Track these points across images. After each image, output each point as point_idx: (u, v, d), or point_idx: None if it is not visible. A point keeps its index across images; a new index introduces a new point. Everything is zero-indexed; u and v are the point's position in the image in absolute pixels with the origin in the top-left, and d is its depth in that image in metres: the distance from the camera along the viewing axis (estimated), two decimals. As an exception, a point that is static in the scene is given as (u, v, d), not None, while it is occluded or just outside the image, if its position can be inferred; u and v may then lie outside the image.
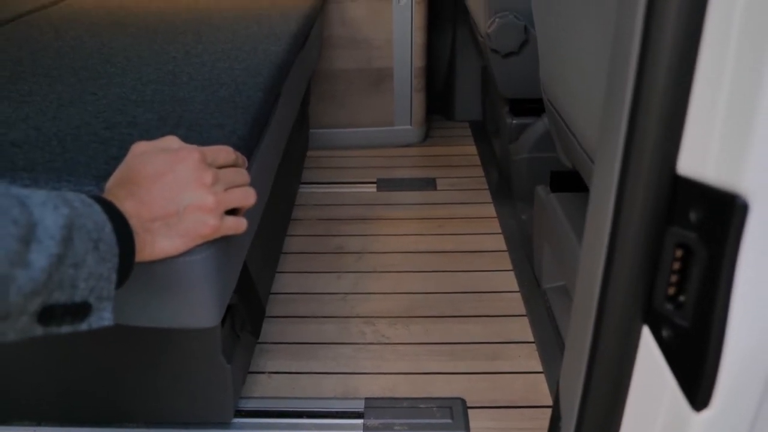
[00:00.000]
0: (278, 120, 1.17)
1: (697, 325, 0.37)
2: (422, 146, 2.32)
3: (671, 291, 0.40)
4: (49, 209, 0.50)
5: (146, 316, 0.78)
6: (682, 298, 0.39)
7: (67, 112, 0.97)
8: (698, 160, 0.37)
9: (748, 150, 0.32)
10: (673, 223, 0.40)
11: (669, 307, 0.40)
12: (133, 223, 0.60)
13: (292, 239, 1.75)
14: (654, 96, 0.39)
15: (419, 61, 2.17)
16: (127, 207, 0.60)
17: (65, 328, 0.53)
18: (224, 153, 0.71)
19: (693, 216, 0.37)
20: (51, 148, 0.84)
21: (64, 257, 0.49)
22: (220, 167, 0.69)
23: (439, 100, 2.51)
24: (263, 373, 1.27)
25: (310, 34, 1.64)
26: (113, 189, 0.64)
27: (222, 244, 0.74)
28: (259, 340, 1.34)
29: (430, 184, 2.04)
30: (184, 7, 1.65)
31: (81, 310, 0.54)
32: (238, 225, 0.70)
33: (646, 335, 0.44)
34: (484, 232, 1.76)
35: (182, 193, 0.63)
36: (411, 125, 2.28)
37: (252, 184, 0.73)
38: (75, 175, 0.78)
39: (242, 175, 0.72)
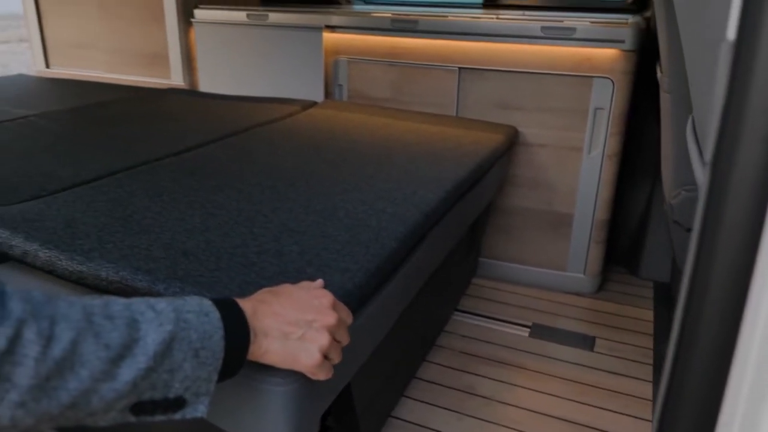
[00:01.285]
0: (415, 262, 1.25)
1: None
2: (592, 298, 2.21)
3: None
4: (155, 326, 0.61)
5: (229, 420, 0.88)
6: None
7: (238, 230, 1.16)
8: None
9: None
10: None
11: None
12: (255, 325, 0.69)
13: (428, 366, 1.78)
14: None
15: (603, 214, 2.11)
16: (257, 309, 0.70)
17: (158, 417, 0.63)
18: (346, 313, 0.79)
19: None
20: (209, 263, 1.02)
21: (156, 368, 0.60)
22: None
23: (625, 251, 2.39)
24: (353, 498, 1.30)
25: (483, 178, 1.72)
26: (256, 294, 0.76)
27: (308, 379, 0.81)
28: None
29: (587, 342, 1.93)
30: (380, 137, 1.86)
31: (176, 403, 0.63)
32: (328, 372, 0.77)
33: None
34: (632, 415, 1.61)
35: (308, 321, 0.73)
36: (584, 274, 2.21)
37: (362, 324, 0.81)
38: (212, 292, 0.93)
39: (347, 335, 0.80)
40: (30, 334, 0.49)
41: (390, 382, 1.55)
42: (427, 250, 1.33)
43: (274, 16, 2.37)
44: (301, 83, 2.38)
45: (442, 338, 1.93)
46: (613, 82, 1.94)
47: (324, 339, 0.72)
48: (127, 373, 0.57)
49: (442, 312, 1.95)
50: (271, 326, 0.70)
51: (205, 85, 2.58)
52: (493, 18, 2.09)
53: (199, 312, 0.63)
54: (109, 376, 0.57)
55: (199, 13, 2.51)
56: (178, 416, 0.63)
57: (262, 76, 2.45)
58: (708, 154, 0.51)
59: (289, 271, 1.01)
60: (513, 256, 2.27)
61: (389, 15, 2.23)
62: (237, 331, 0.66)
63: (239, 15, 2.42)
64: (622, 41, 1.89)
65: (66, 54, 2.90)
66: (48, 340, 0.51)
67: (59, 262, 1.04)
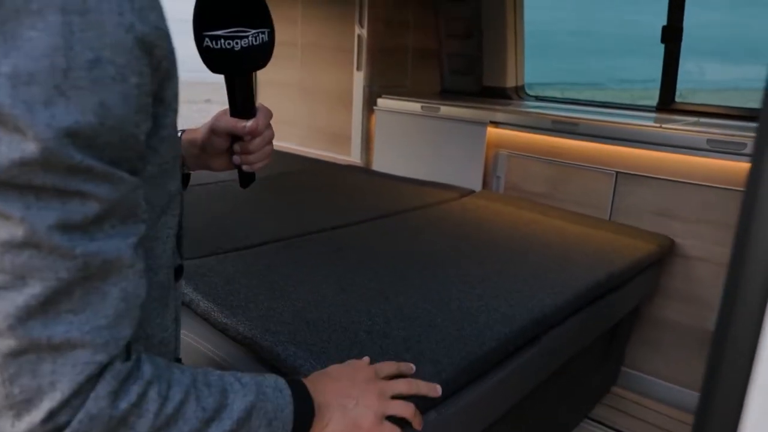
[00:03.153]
0: (522, 364, 1.28)
1: None
2: (750, 435, 1.98)
3: None
4: (240, 396, 0.76)
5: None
6: None
7: (359, 307, 1.30)
8: None
9: None
10: None
11: None
12: (319, 400, 0.81)
13: (542, 471, 1.74)
14: None
15: (766, 343, 1.91)
16: (318, 386, 0.83)
17: None
18: (387, 367, 0.95)
19: None
20: (323, 335, 1.18)
21: (237, 431, 0.75)
22: (390, 377, 0.93)
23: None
24: None
25: (622, 287, 1.69)
26: (313, 375, 0.90)
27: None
28: None
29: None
30: (523, 233, 1.92)
31: None
32: (392, 429, 0.87)
33: None
34: None
35: (358, 390, 0.86)
36: (742, 406, 1.99)
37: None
38: (318, 361, 1.07)
39: (407, 384, 0.92)
40: (153, 393, 0.62)
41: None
42: (539, 354, 1.35)
43: (445, 110, 2.57)
44: (462, 171, 2.53)
45: (563, 445, 1.87)
46: (786, 202, 1.79)
47: (372, 398, 0.85)
48: None
49: (567, 418, 1.89)
50: (331, 400, 0.82)
51: (378, 164, 2.85)
52: (656, 127, 2.06)
53: (275, 388, 0.77)
54: None
55: (382, 102, 2.81)
56: None
57: (429, 160, 2.66)
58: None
59: (389, 354, 1.12)
60: (659, 371, 2.13)
61: (551, 116, 2.30)
62: (304, 407, 0.79)
63: (415, 106, 2.67)
64: (799, 161, 1.75)
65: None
66: (164, 399, 0.64)
67: (213, 313, 1.27)
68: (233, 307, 1.27)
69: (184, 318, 1.37)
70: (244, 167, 0.90)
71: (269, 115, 0.88)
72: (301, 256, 1.60)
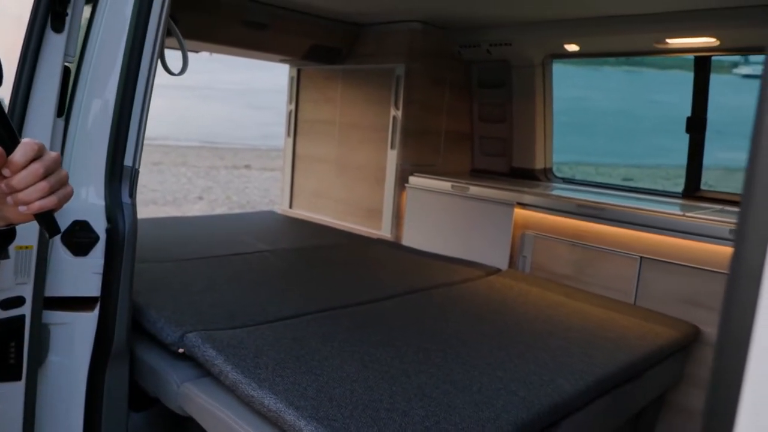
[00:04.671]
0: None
1: None
2: None
3: None
4: None
5: None
6: None
7: (381, 385, 1.35)
8: None
9: None
10: None
11: None
12: None
13: None
14: None
15: (798, 438, 1.86)
16: None
17: None
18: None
19: None
20: (345, 410, 1.22)
21: None
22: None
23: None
24: None
25: (645, 374, 1.70)
26: None
27: None
28: None
29: None
30: (547, 315, 1.95)
31: None
32: None
33: None
34: None
35: None
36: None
37: None
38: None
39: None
40: None
41: None
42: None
43: (474, 189, 2.67)
44: (489, 249, 2.59)
45: None
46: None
47: None
48: None
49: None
50: None
51: (408, 239, 2.93)
52: (680, 216, 2.11)
53: None
54: None
55: (413, 180, 2.93)
56: None
57: (457, 237, 2.73)
58: None
59: (407, 434, 1.16)
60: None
61: (577, 200, 2.37)
62: None
63: (445, 185, 2.78)
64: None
65: (307, 199, 3.55)
66: None
67: (240, 385, 1.33)
68: (260, 380, 1.34)
69: (211, 389, 1.44)
70: (20, 208, 0.81)
71: (31, 147, 0.79)
72: (327, 331, 1.66)
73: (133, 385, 1.59)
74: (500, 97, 2.98)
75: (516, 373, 1.48)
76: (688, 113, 2.47)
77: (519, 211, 2.51)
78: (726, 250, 1.96)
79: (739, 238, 0.57)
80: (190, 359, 1.54)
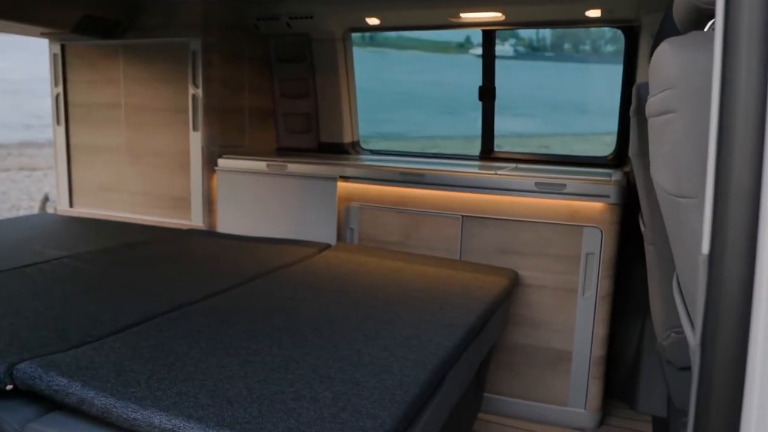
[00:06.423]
0: (439, 402, 1.35)
1: None
2: (595, 434, 2.27)
3: None
4: None
5: None
6: None
7: (274, 376, 1.27)
8: None
9: None
10: None
11: None
12: None
13: (440, 507, 1.81)
14: None
15: (599, 351, 2.23)
16: None
17: None
18: None
19: None
20: (252, 410, 1.13)
21: None
22: None
23: (623, 386, 2.48)
24: None
25: (490, 319, 1.86)
26: None
27: None
28: None
29: (593, 481, 1.97)
30: (394, 281, 2.01)
31: None
32: None
33: None
34: None
35: None
36: (585, 409, 2.28)
37: None
38: (259, 440, 1.03)
39: None
40: None
41: None
42: (445, 394, 1.44)
43: (294, 167, 2.61)
44: (315, 226, 2.57)
45: (451, 478, 1.96)
46: (601, 231, 2.15)
47: None
48: None
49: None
50: None
51: (224, 226, 2.77)
52: (492, 174, 2.33)
53: None
54: None
55: (223, 162, 2.76)
56: None
57: (278, 219, 2.66)
58: (697, 336, 0.66)
59: (325, 417, 1.12)
60: (517, 392, 2.35)
61: (400, 168, 2.47)
62: None
63: (260, 165, 2.67)
64: (608, 196, 2.12)
65: (93, 195, 3.12)
66: None
67: (115, 410, 1.14)
68: (138, 398, 1.16)
69: (70, 424, 1.20)
70: None
71: None
72: (187, 332, 1.50)
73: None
74: (301, 72, 2.94)
75: (395, 338, 1.51)
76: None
77: (342, 184, 2.53)
78: (532, 201, 2.23)
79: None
80: (25, 395, 1.27)
